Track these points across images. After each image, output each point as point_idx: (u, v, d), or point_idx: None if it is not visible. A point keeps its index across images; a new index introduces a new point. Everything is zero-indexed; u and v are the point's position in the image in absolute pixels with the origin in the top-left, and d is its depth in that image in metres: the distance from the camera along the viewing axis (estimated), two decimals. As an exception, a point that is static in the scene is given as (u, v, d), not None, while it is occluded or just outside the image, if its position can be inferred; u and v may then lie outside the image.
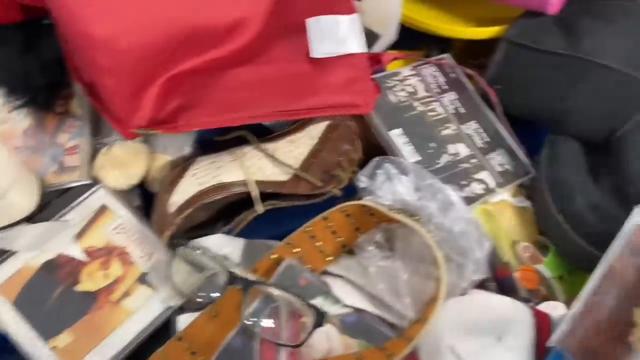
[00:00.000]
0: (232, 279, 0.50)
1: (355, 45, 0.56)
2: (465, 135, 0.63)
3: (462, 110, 0.65)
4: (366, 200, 0.55)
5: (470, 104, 0.66)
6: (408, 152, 0.59)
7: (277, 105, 0.57)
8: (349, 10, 0.57)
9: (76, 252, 0.56)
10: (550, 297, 0.57)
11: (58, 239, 0.56)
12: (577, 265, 0.59)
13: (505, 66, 0.67)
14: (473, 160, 0.62)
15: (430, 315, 0.49)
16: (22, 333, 0.53)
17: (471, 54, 0.75)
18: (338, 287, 0.54)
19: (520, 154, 0.65)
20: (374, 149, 0.61)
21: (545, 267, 0.58)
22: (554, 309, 0.53)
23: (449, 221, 0.54)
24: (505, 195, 0.63)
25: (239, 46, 0.56)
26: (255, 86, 0.57)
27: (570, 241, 0.57)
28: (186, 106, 0.56)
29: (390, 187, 0.55)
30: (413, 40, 0.75)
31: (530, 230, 0.62)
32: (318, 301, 0.52)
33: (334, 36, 0.56)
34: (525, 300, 0.54)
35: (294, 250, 0.56)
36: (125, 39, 0.52)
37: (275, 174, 0.58)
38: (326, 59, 0.56)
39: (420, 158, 0.59)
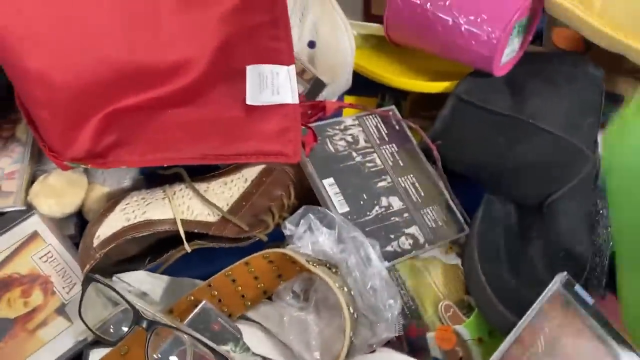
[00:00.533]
0: (137, 318, 0.50)
1: (290, 96, 0.57)
2: (400, 189, 0.64)
3: (401, 163, 0.66)
4: (287, 249, 0.55)
5: (411, 157, 0.67)
6: (338, 203, 0.60)
7: (208, 149, 0.58)
8: (288, 61, 0.58)
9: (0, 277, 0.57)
10: (466, 359, 0.58)
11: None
12: (495, 327, 0.59)
13: (451, 121, 0.68)
14: (405, 215, 0.63)
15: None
16: None
17: (424, 106, 0.77)
18: (250, 335, 0.55)
19: (457, 211, 0.66)
20: (310, 195, 0.62)
21: (465, 329, 0.58)
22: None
23: (366, 277, 0.55)
24: (435, 251, 0.63)
25: (179, 87, 0.58)
26: (189, 127, 0.58)
27: (490, 303, 0.58)
28: (120, 143, 0.57)
29: (312, 238, 0.56)
30: (369, 88, 0.76)
31: (458, 288, 0.62)
32: (229, 347, 0.53)
33: (270, 85, 0.57)
34: (437, 362, 0.55)
35: (213, 293, 0.56)
36: (60, 75, 0.53)
37: (203, 214, 0.59)
38: (261, 107, 0.58)
39: (348, 209, 0.60)
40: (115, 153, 0.57)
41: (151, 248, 0.62)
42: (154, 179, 0.65)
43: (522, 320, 0.53)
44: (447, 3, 0.67)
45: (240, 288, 0.57)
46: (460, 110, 0.69)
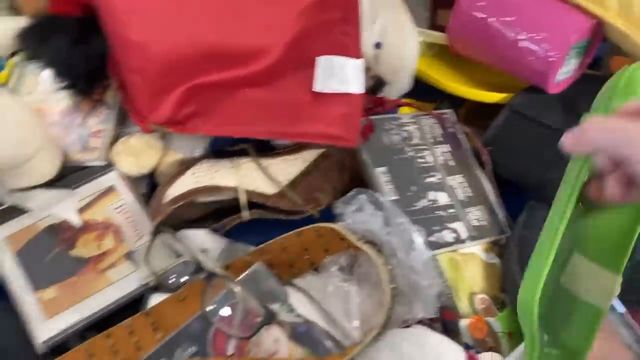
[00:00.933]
0: (199, 268, 0.56)
1: (355, 86, 0.62)
2: (448, 186, 0.68)
3: (451, 163, 0.70)
4: (337, 225, 0.60)
5: (461, 159, 0.71)
6: (388, 190, 0.64)
7: (276, 126, 0.63)
8: (356, 55, 0.63)
9: (78, 221, 0.64)
10: (495, 349, 0.60)
11: (66, 207, 0.63)
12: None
13: (503, 131, 0.72)
14: (450, 210, 0.66)
15: (367, 337, 0.53)
16: (16, 281, 0.60)
17: (478, 115, 0.80)
18: (296, 298, 0.59)
19: (500, 213, 0.69)
20: (361, 183, 0.66)
21: (497, 321, 0.61)
22: (491, 357, 0.56)
23: (409, 259, 0.59)
24: (475, 248, 0.66)
25: (257, 70, 0.64)
26: (261, 106, 0.64)
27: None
28: (199, 113, 0.63)
29: (362, 218, 0.60)
30: (427, 94, 0.80)
31: (493, 285, 0.65)
32: (275, 306, 0.57)
33: (338, 75, 0.63)
34: (467, 347, 0.58)
35: (265, 257, 0.61)
36: (156, 47, 0.60)
37: (264, 186, 0.64)
38: (327, 94, 0.63)
39: (397, 197, 0.64)
40: (194, 121, 0.63)
41: (212, 213, 0.68)
42: (221, 154, 0.70)
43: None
44: (511, 19, 0.71)
45: (290, 257, 0.62)
46: (513, 121, 0.72)
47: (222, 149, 0.71)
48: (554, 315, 0.50)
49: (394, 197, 0.64)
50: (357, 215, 0.60)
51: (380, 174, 0.65)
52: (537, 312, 0.47)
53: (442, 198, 0.67)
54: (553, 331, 0.50)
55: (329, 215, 0.65)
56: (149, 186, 0.71)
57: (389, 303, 0.55)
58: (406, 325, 0.57)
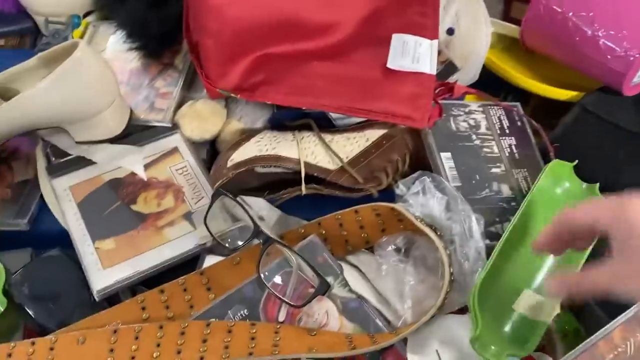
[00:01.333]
0: (257, 232, 0.56)
1: (428, 66, 0.61)
2: (512, 179, 0.66)
3: (516, 156, 0.68)
4: (397, 205, 0.59)
5: (527, 153, 0.69)
6: (451, 176, 0.63)
7: (343, 101, 0.63)
8: (432, 36, 0.62)
9: (141, 177, 0.65)
10: (549, 349, 0.58)
11: (133, 160, 0.64)
12: (586, 327, 0.59)
13: (572, 129, 0.70)
14: (512, 204, 0.65)
15: (423, 318, 0.52)
16: (77, 230, 0.61)
17: (545, 112, 0.78)
18: (349, 274, 0.59)
19: (562, 212, 0.67)
20: (423, 167, 0.65)
21: (553, 321, 0.59)
22: (538, 358, 0.55)
23: (465, 247, 0.57)
24: (534, 245, 0.64)
25: (328, 43, 0.63)
26: (330, 80, 0.63)
27: (586, 304, 0.59)
28: (267, 81, 0.64)
29: (424, 200, 0.59)
30: (494, 87, 0.78)
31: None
32: (328, 279, 0.57)
33: (412, 54, 0.62)
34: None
35: (321, 231, 0.61)
36: (233, 12, 0.60)
37: (324, 161, 0.64)
38: (398, 72, 0.62)
39: (460, 184, 0.63)
40: (263, 89, 0.63)
41: (268, 184, 0.68)
42: (282, 127, 0.70)
43: (616, 319, 0.53)
44: (590, 14, 0.69)
45: (345, 233, 0.61)
46: (583, 119, 0.70)
47: (282, 123, 0.71)
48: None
49: (456, 184, 0.62)
50: (419, 198, 0.59)
51: (445, 159, 0.64)
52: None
53: (505, 190, 0.65)
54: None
55: (385, 196, 0.64)
56: (208, 152, 0.71)
57: (447, 287, 0.54)
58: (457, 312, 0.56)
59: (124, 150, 0.65)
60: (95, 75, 0.61)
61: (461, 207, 0.59)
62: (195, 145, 0.69)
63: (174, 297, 0.58)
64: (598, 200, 0.49)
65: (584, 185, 0.64)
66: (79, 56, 0.60)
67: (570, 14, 0.70)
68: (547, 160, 0.69)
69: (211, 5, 0.60)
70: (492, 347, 0.53)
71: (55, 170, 0.65)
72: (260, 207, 0.63)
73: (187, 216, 0.63)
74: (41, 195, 0.66)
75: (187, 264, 0.61)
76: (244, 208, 0.58)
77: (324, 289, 0.53)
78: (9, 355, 0.55)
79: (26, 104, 0.61)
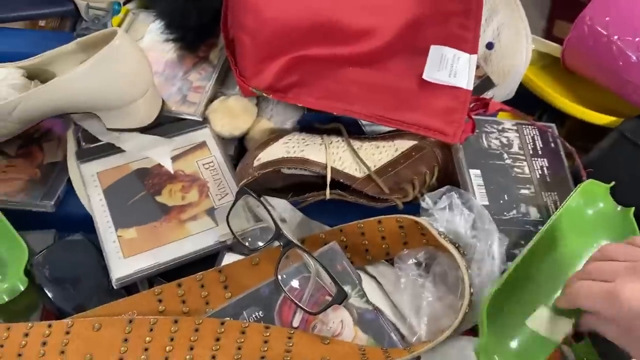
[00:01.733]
0: (278, 235, 0.55)
1: (465, 81, 0.60)
2: (542, 202, 0.65)
3: (548, 179, 0.67)
4: (422, 219, 0.58)
5: (559, 176, 0.67)
6: (479, 194, 0.62)
7: (376, 109, 0.62)
8: (472, 50, 0.61)
9: (168, 169, 0.65)
10: (565, 379, 0.57)
11: (161, 152, 0.65)
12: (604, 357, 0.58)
13: (608, 155, 0.68)
14: (539, 227, 0.63)
15: (439, 338, 0.51)
16: (101, 216, 0.62)
17: (580, 135, 0.76)
18: (368, 285, 0.58)
19: (591, 240, 0.65)
20: (451, 182, 0.64)
21: (570, 350, 0.58)
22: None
23: (485, 267, 0.56)
24: (559, 271, 0.63)
25: (365, 50, 0.63)
26: (364, 86, 0.63)
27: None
28: (301, 83, 0.63)
29: (449, 216, 0.58)
30: (529, 105, 0.77)
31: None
32: (346, 289, 0.56)
33: (449, 67, 0.61)
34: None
35: (342, 239, 0.60)
36: (271, 12, 0.60)
37: (351, 168, 0.63)
38: (434, 84, 0.61)
39: (487, 203, 0.62)
40: (295, 91, 0.63)
41: (291, 187, 0.67)
42: (311, 129, 0.70)
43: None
44: (636, 40, 0.67)
45: (366, 242, 0.61)
46: (620, 146, 0.68)
47: (312, 125, 0.70)
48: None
49: (484, 202, 0.61)
50: (445, 213, 0.58)
51: (474, 176, 0.62)
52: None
53: (533, 212, 0.64)
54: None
55: (410, 208, 0.63)
56: (236, 149, 0.71)
57: (467, 308, 0.53)
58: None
59: (153, 141, 0.66)
60: (132, 64, 0.62)
61: (487, 227, 0.58)
62: (223, 141, 0.69)
63: (190, 292, 0.58)
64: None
65: (619, 208, 0.62)
66: (117, 44, 0.60)
67: (616, 37, 0.68)
68: (578, 184, 0.67)
69: (250, 4, 0.60)
70: (497, 359, 0.52)
71: (84, 155, 0.66)
72: (283, 209, 0.63)
73: (210, 212, 0.63)
74: (68, 179, 0.66)
75: (206, 260, 0.61)
76: (267, 209, 0.57)
77: (341, 298, 0.52)
78: (26, 335, 0.55)
79: (63, 87, 0.62)
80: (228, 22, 0.67)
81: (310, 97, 0.63)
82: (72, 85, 0.61)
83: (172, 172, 0.64)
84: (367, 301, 0.56)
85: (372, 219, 0.60)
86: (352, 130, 0.68)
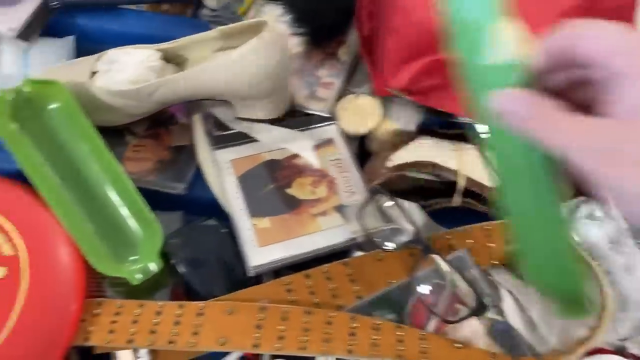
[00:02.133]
0: (417, 240, 0.56)
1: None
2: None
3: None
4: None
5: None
6: (618, 210, 0.61)
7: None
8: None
9: (299, 163, 0.66)
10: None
11: (302, 148, 0.66)
12: None
13: None
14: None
15: (578, 351, 0.51)
16: (237, 204, 0.63)
17: None
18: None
19: None
20: (587, 195, 0.63)
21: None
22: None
23: (621, 282, 0.56)
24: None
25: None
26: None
27: None
28: (438, 87, 0.63)
29: (587, 227, 0.58)
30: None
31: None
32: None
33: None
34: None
35: (468, 240, 0.60)
36: (421, 13, 0.60)
37: (483, 177, 0.63)
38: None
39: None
40: (437, 94, 0.63)
41: (417, 190, 0.68)
42: (432, 133, 0.70)
43: None
44: None
45: (492, 245, 0.60)
46: None
47: (434, 129, 0.70)
48: None
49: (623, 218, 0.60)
50: (582, 223, 0.58)
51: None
52: None
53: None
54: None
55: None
56: (358, 148, 0.72)
57: (607, 320, 0.53)
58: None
59: (291, 134, 0.67)
60: (278, 57, 0.63)
61: (626, 241, 0.58)
62: (350, 138, 0.70)
63: (318, 284, 0.59)
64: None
65: None
66: (267, 37, 0.61)
67: None
68: None
69: (400, 6, 0.61)
70: None
71: (218, 142, 0.67)
72: (412, 211, 0.63)
73: (339, 209, 0.64)
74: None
75: (335, 257, 0.62)
76: (403, 212, 0.58)
77: (480, 311, 0.53)
78: (158, 313, 0.57)
79: (205, 74, 0.63)
80: (363, 20, 0.68)
81: (453, 101, 0.63)
82: (215, 72, 0.62)
83: (318, 166, 0.65)
84: (500, 311, 0.56)
85: (499, 221, 0.60)
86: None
